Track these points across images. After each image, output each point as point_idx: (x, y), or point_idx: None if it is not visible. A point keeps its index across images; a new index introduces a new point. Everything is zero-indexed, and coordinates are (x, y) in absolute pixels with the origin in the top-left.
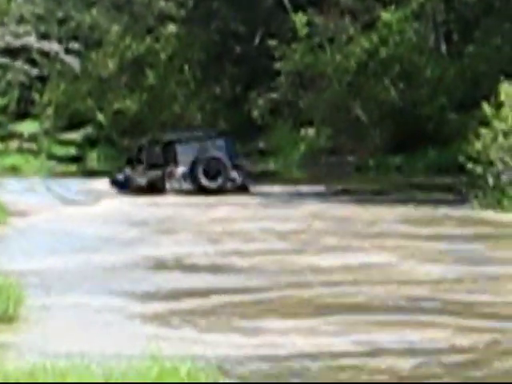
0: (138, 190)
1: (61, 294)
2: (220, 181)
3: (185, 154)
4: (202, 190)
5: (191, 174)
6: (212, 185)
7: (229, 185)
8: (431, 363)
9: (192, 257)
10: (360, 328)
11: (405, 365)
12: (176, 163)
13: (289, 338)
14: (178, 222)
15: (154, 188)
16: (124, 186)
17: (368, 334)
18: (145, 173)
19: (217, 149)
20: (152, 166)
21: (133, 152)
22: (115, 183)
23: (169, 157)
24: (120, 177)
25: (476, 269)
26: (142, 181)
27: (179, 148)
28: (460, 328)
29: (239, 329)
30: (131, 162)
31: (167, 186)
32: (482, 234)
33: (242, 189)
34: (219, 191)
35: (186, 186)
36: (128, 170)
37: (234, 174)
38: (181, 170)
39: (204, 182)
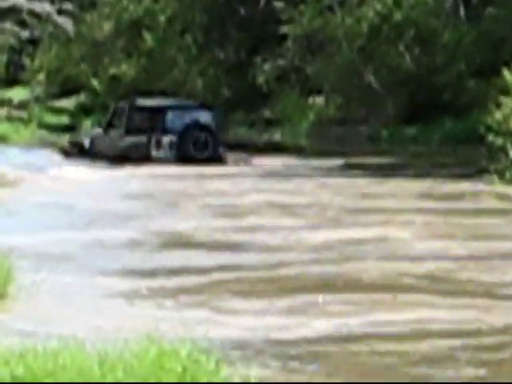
0: (107, 157)
1: (53, 272)
2: (208, 152)
3: (174, 122)
4: (186, 160)
5: (180, 143)
6: (200, 156)
7: (214, 157)
8: (447, 346)
9: (195, 233)
10: (368, 308)
11: (420, 347)
12: (164, 130)
13: (296, 319)
14: (174, 196)
15: (136, 154)
16: (88, 153)
17: (382, 313)
18: (122, 138)
19: (206, 120)
20: (132, 132)
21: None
22: (73, 147)
23: (156, 123)
24: (85, 141)
25: (492, 245)
26: (115, 146)
27: (170, 115)
28: (480, 308)
29: (245, 309)
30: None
31: (153, 153)
32: (501, 209)
33: (223, 162)
34: (205, 162)
35: (173, 154)
36: (96, 132)
37: (220, 148)
38: (169, 137)
39: (193, 152)
